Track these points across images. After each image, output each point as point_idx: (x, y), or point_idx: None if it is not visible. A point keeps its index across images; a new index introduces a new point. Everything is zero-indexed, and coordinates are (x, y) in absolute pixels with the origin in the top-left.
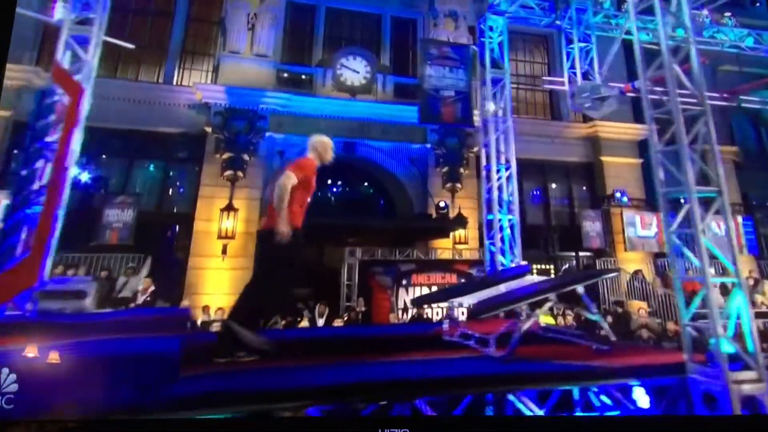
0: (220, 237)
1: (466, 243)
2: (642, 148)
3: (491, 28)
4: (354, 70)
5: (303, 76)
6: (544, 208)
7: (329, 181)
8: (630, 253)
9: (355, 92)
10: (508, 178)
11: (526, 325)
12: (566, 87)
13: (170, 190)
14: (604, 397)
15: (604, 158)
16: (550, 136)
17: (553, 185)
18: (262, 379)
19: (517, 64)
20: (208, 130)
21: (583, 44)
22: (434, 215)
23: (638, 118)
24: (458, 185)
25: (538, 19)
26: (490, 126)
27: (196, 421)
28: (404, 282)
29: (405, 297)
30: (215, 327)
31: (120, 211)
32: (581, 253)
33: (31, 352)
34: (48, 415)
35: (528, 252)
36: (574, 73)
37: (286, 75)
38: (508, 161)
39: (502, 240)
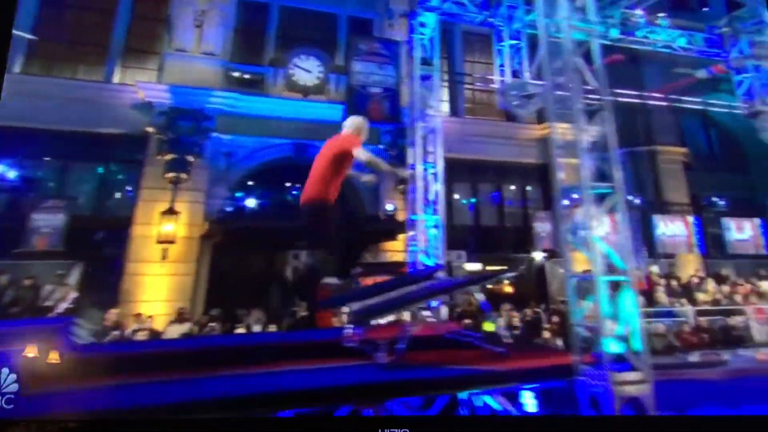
0: (159, 241)
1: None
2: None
3: (422, 24)
4: (306, 69)
5: (253, 76)
6: (499, 209)
7: (279, 184)
8: (577, 252)
9: (308, 92)
10: (435, 178)
11: (412, 330)
12: (497, 85)
13: (109, 194)
14: (490, 400)
15: (559, 160)
16: (505, 138)
17: (511, 187)
18: (120, 395)
19: (474, 65)
20: (151, 130)
21: (513, 42)
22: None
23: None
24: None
25: (473, 16)
26: (417, 124)
27: (196, 421)
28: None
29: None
30: (141, 335)
31: (50, 215)
32: (536, 254)
33: (31, 352)
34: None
35: (482, 254)
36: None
37: (235, 74)
38: (435, 161)
39: (428, 241)
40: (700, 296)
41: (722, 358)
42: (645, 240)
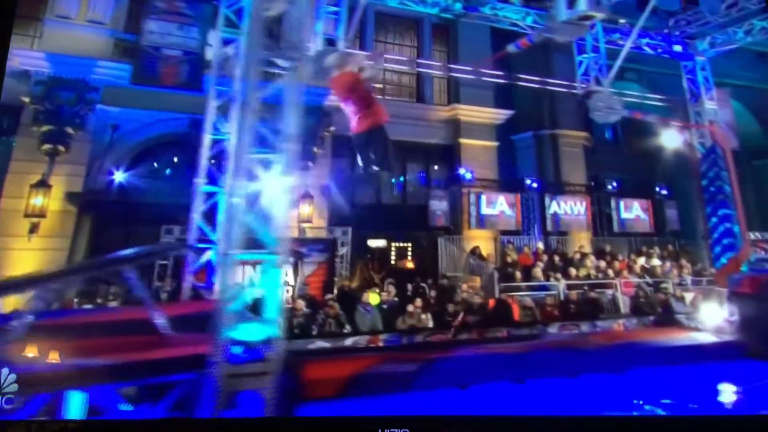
0: (27, 215)
1: (310, 222)
2: (499, 131)
3: None
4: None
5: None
6: (402, 188)
7: (172, 158)
8: (477, 230)
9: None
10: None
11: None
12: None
13: None
14: None
15: (462, 140)
16: (413, 119)
17: (413, 166)
18: None
19: (386, 46)
20: (26, 100)
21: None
22: None
23: (497, 102)
24: (310, 164)
25: None
26: (212, 91)
27: (196, 421)
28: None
29: None
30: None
31: None
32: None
33: (31, 352)
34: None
35: (385, 231)
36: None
37: (126, 45)
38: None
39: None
40: (574, 271)
41: (576, 329)
42: (541, 218)
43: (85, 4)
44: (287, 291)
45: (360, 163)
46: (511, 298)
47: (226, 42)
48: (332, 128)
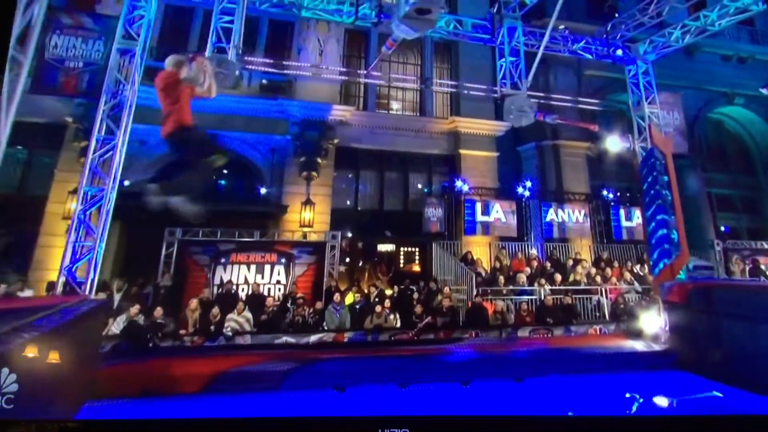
0: (65, 218)
1: (311, 226)
2: (498, 142)
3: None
4: None
5: None
6: (403, 196)
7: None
8: (473, 236)
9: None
10: (120, 151)
11: None
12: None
13: (29, 175)
14: None
15: (462, 151)
16: (416, 130)
17: (415, 175)
18: None
19: (390, 65)
20: (69, 120)
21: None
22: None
23: (498, 115)
24: (314, 173)
25: None
26: (108, 95)
27: (195, 421)
28: (222, 260)
29: (222, 274)
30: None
31: None
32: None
33: (31, 352)
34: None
35: (385, 237)
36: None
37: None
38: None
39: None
40: (559, 277)
41: (547, 333)
42: (540, 225)
43: None
44: (279, 289)
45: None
46: (489, 302)
47: (123, 52)
48: (335, 140)
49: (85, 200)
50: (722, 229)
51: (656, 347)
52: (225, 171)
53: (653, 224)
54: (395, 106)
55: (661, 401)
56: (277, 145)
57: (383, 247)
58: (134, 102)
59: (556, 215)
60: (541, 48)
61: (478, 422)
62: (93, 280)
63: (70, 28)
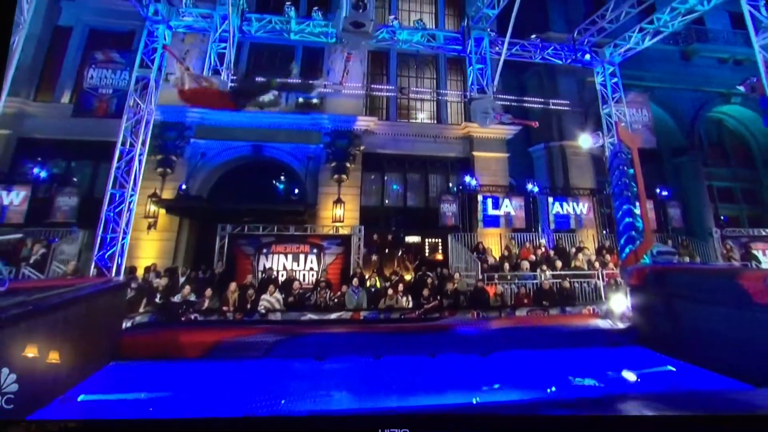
0: (145, 217)
1: (342, 221)
2: (512, 144)
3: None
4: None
5: None
6: (424, 194)
7: (239, 175)
8: (486, 229)
9: (264, 106)
10: (139, 160)
11: None
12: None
13: None
14: None
15: (475, 153)
16: (433, 136)
17: (435, 176)
18: None
19: (409, 80)
20: None
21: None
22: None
23: None
24: (344, 176)
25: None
26: (129, 115)
27: (195, 421)
28: (264, 251)
29: (264, 262)
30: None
31: (66, 198)
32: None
33: (31, 352)
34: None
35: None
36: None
37: None
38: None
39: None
40: (559, 263)
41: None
42: (547, 218)
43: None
44: (312, 275)
45: None
46: (491, 286)
47: (139, 79)
48: (362, 147)
49: (112, 201)
50: (722, 218)
51: (621, 325)
52: (272, 176)
53: (620, 213)
54: (417, 115)
55: (621, 374)
56: (312, 153)
57: (411, 239)
58: (151, 119)
59: (562, 208)
60: (503, 56)
61: (478, 422)
62: (120, 266)
63: (102, 62)
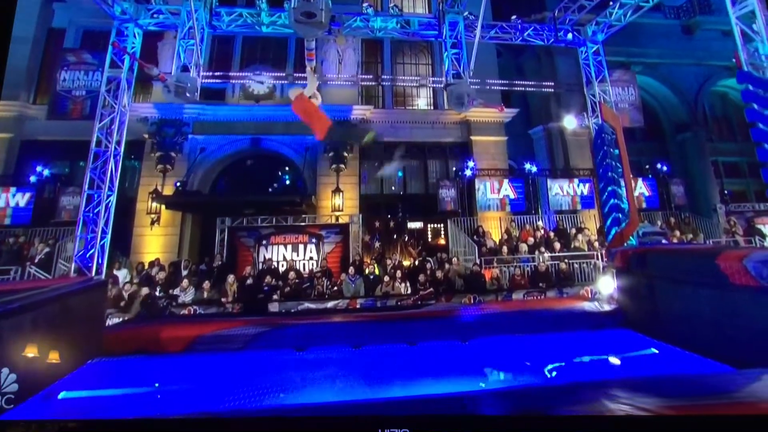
0: (147, 213)
1: (341, 210)
2: (511, 126)
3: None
4: (260, 81)
5: (218, 90)
6: (424, 180)
7: (239, 169)
8: (486, 212)
9: (259, 99)
10: (115, 160)
11: None
12: None
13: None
14: None
15: (474, 138)
16: (431, 123)
17: (434, 161)
18: None
19: (404, 67)
20: (146, 136)
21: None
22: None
23: (506, 102)
24: (342, 166)
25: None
26: (104, 115)
27: (196, 421)
28: (264, 242)
29: (264, 253)
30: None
31: (71, 197)
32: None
33: (31, 352)
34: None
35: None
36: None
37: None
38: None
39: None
40: (558, 245)
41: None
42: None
43: None
44: (312, 264)
45: None
46: (488, 269)
47: (111, 79)
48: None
49: (89, 201)
50: (726, 193)
51: (607, 308)
52: (271, 169)
53: (605, 194)
54: (414, 102)
55: (603, 358)
56: (310, 143)
57: (413, 225)
58: (125, 119)
59: (562, 190)
60: (476, 38)
61: (479, 422)
62: (101, 265)
63: (75, 64)
